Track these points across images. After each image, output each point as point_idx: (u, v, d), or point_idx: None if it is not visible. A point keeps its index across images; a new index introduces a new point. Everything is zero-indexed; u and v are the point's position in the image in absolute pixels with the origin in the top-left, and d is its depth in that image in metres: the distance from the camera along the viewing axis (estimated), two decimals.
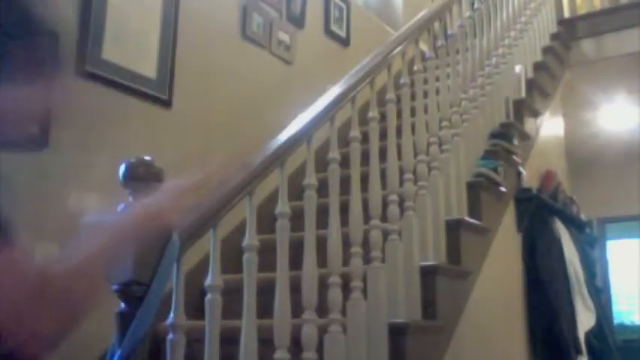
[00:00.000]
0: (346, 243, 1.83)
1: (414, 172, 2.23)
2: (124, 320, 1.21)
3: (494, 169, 2.76)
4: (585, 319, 3.39)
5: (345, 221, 1.86)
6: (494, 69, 3.09)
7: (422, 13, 2.54)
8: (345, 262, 1.82)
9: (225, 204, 1.50)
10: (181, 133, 2.80)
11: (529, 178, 3.32)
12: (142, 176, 1.27)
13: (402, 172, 2.17)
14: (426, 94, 2.46)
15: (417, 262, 2.09)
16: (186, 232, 1.38)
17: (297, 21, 3.70)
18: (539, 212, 3.25)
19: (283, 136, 1.75)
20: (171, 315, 1.37)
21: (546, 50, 3.99)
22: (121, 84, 2.54)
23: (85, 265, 0.65)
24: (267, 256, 1.80)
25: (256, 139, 2.82)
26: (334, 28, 4.07)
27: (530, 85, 3.56)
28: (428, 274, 2.13)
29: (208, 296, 1.46)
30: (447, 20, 2.79)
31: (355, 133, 1.95)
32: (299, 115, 1.86)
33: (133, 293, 1.22)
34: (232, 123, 3.10)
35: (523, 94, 3.41)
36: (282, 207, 1.67)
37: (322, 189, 1.88)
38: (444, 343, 2.18)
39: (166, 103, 2.73)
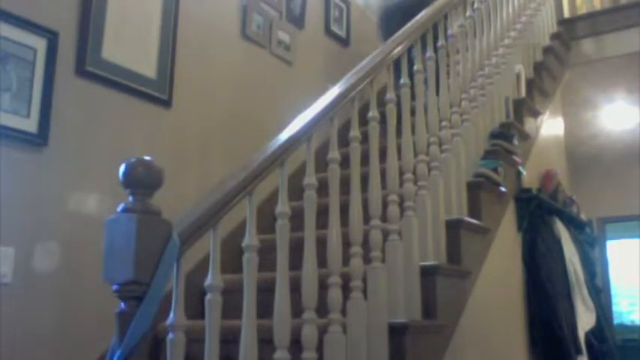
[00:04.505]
0: (346, 243, 1.83)
1: (414, 172, 2.23)
2: (124, 320, 1.21)
3: (494, 169, 2.76)
4: (585, 319, 3.39)
5: (345, 221, 1.86)
6: (494, 69, 3.09)
7: (422, 13, 2.54)
8: (345, 262, 1.82)
9: (225, 204, 1.50)
10: (181, 133, 2.80)
11: (529, 178, 3.32)
12: (141, 176, 1.27)
13: (402, 172, 2.17)
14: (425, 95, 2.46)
15: (417, 262, 2.09)
16: (186, 232, 1.37)
17: (297, 21, 3.70)
18: (539, 212, 3.25)
19: (283, 136, 1.75)
20: (171, 315, 1.36)
21: (546, 50, 3.99)
22: (121, 84, 2.54)
23: None
24: (267, 256, 1.80)
25: (256, 139, 2.83)
26: (334, 28, 4.07)
27: (530, 85, 3.56)
28: (428, 274, 2.13)
29: (208, 296, 1.46)
30: (446, 20, 2.79)
31: (355, 133, 1.95)
32: (299, 115, 1.86)
33: (133, 293, 1.22)
34: (232, 123, 3.10)
35: (523, 94, 3.41)
36: (282, 207, 1.67)
37: (322, 189, 1.88)
38: (444, 343, 2.18)
39: (166, 103, 2.73)
